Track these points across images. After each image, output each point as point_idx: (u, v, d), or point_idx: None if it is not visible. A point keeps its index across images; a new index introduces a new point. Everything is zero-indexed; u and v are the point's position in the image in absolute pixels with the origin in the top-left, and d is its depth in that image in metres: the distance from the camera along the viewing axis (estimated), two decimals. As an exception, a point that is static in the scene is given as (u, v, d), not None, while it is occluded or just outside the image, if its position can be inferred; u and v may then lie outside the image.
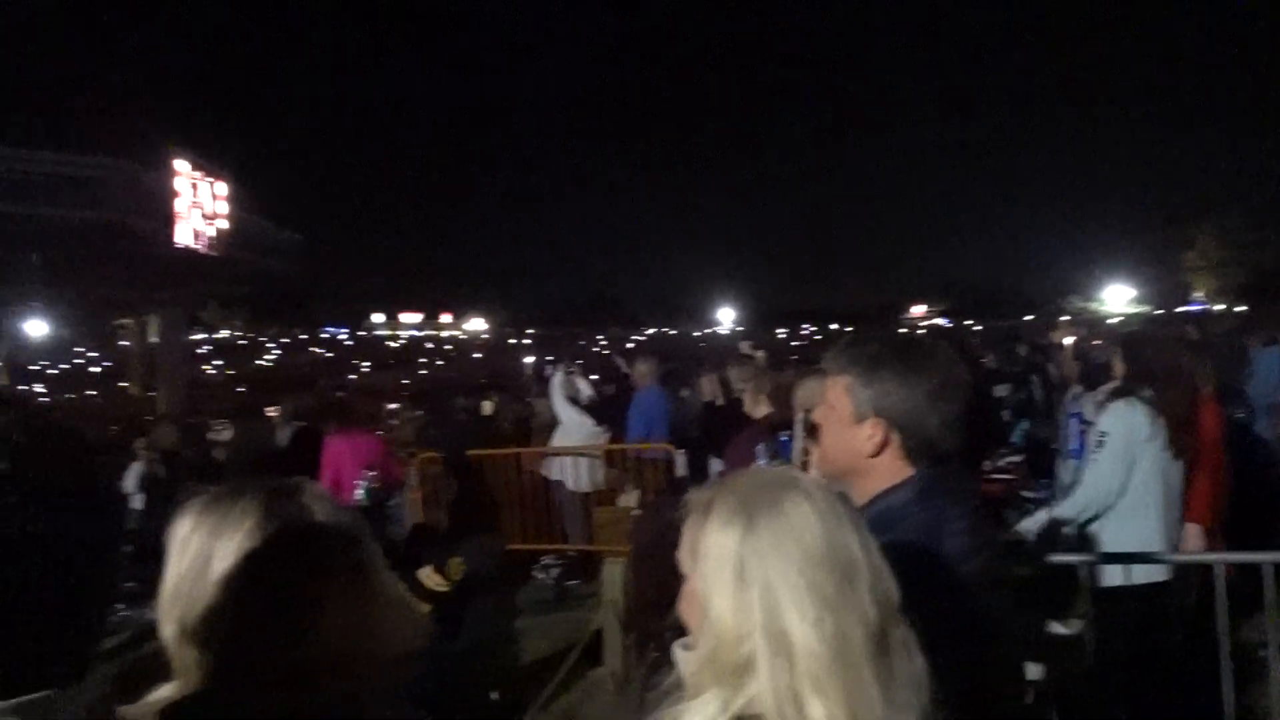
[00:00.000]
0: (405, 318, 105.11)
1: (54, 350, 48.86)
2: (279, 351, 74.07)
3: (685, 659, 1.11)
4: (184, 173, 21.37)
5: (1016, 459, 7.01)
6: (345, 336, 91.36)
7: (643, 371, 8.12)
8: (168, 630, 0.97)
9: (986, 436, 6.86)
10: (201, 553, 0.98)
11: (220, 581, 0.97)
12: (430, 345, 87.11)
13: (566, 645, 5.49)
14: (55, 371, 50.20)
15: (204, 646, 0.94)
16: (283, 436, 8.18)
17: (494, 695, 4.41)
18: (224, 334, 78.39)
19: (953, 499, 1.59)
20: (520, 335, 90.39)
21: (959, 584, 1.46)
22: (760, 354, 9.77)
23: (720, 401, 6.83)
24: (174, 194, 20.97)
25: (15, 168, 18.48)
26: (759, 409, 4.74)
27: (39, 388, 42.37)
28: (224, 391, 38.58)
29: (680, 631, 1.18)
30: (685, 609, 1.14)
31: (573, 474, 7.99)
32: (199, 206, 22.02)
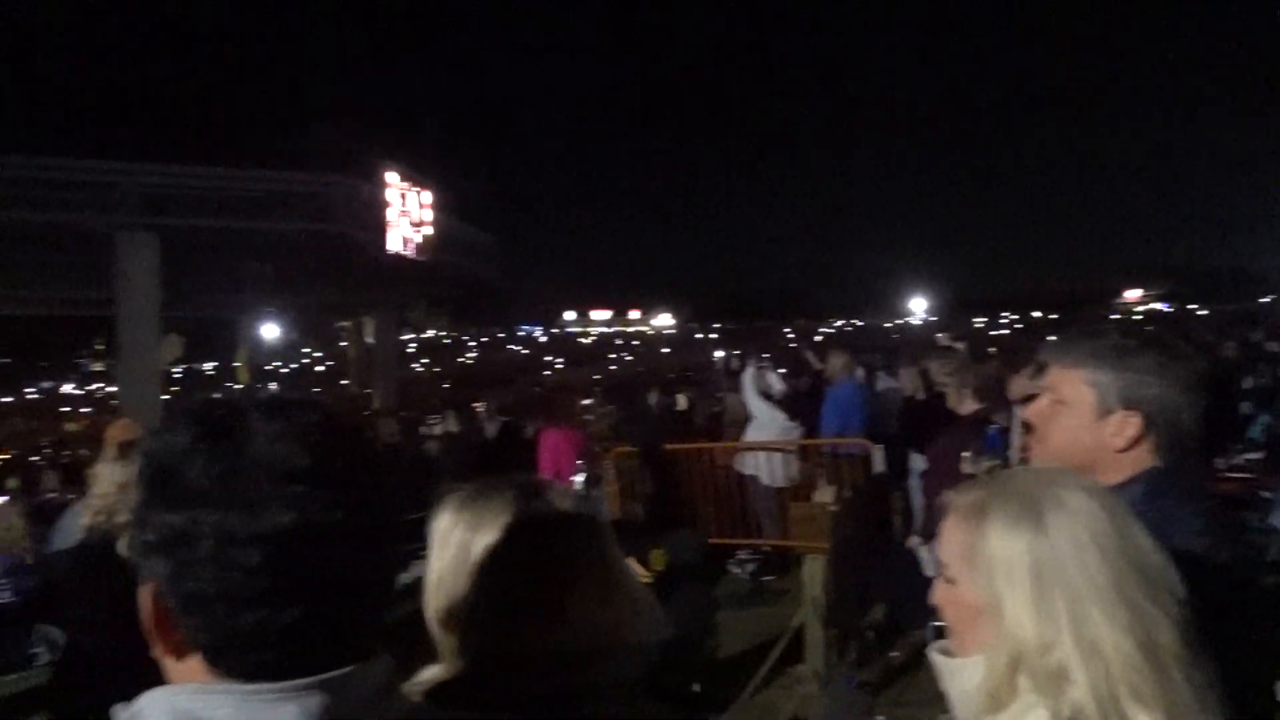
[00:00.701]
0: (595, 315, 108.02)
1: (285, 351, 53.63)
2: (479, 350, 77.91)
3: (962, 666, 1.07)
4: (394, 184, 22.85)
5: (1256, 455, 6.42)
6: (540, 334, 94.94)
7: (836, 365, 7.98)
8: (432, 617, 1.06)
9: (1224, 431, 6.31)
10: (462, 545, 1.07)
11: (478, 573, 1.04)
12: (619, 341, 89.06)
13: (763, 641, 5.48)
14: (286, 371, 54.90)
15: (464, 633, 1.02)
16: (490, 430, 8.62)
17: (696, 688, 4.46)
18: (429, 334, 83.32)
19: (1187, 496, 1.50)
20: (706, 330, 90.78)
21: (1197, 589, 1.36)
22: (962, 346, 9.38)
23: (921, 395, 6.60)
24: (385, 204, 22.47)
25: (253, 187, 20.41)
26: (965, 404, 4.55)
27: (273, 386, 46.48)
28: (431, 388, 40.98)
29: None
30: (952, 615, 1.10)
31: (767, 469, 7.96)
32: (407, 215, 23.50)
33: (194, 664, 0.70)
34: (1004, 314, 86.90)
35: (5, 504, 8.91)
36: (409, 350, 63.76)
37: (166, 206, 19.64)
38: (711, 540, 7.79)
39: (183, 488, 0.67)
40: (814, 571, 4.87)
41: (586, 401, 16.11)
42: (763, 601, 6.81)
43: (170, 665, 0.72)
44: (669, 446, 8.54)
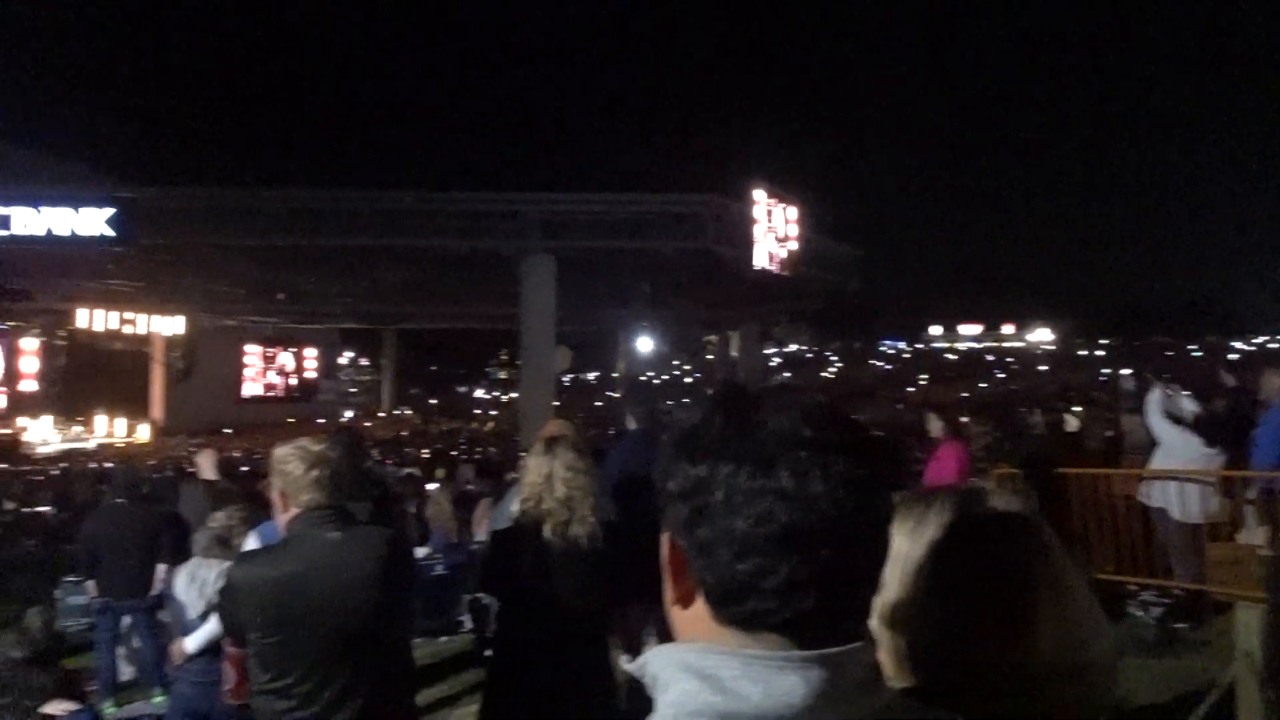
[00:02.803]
0: (964, 329, 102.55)
1: (658, 363, 57.12)
2: (840, 364, 77.32)
3: None
4: (761, 201, 23.42)
5: None
6: (904, 349, 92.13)
7: (1273, 386, 6.86)
8: (872, 623, 1.05)
9: None
10: (900, 552, 1.05)
11: (922, 580, 1.02)
12: (990, 357, 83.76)
13: (1175, 695, 4.85)
14: (658, 382, 58.26)
15: (912, 643, 0.99)
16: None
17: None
18: (792, 348, 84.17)
19: None
20: (1091, 345, 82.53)
21: None
22: None
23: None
24: (753, 221, 23.10)
25: (636, 209, 22.01)
26: None
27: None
28: (792, 402, 41.26)
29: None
30: None
31: (1179, 501, 7.03)
32: (773, 231, 23.96)
33: (698, 612, 0.76)
34: None
35: (437, 490, 10.41)
36: (772, 364, 65.03)
37: (563, 230, 21.80)
38: (1107, 576, 7.04)
39: (703, 444, 0.76)
40: (1248, 622, 4.20)
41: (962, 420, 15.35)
42: (1174, 652, 6.01)
43: (678, 616, 0.79)
44: (1059, 470, 7.85)
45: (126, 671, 6.43)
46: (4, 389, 30.06)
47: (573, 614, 2.66)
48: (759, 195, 23.34)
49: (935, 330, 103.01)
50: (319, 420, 37.49)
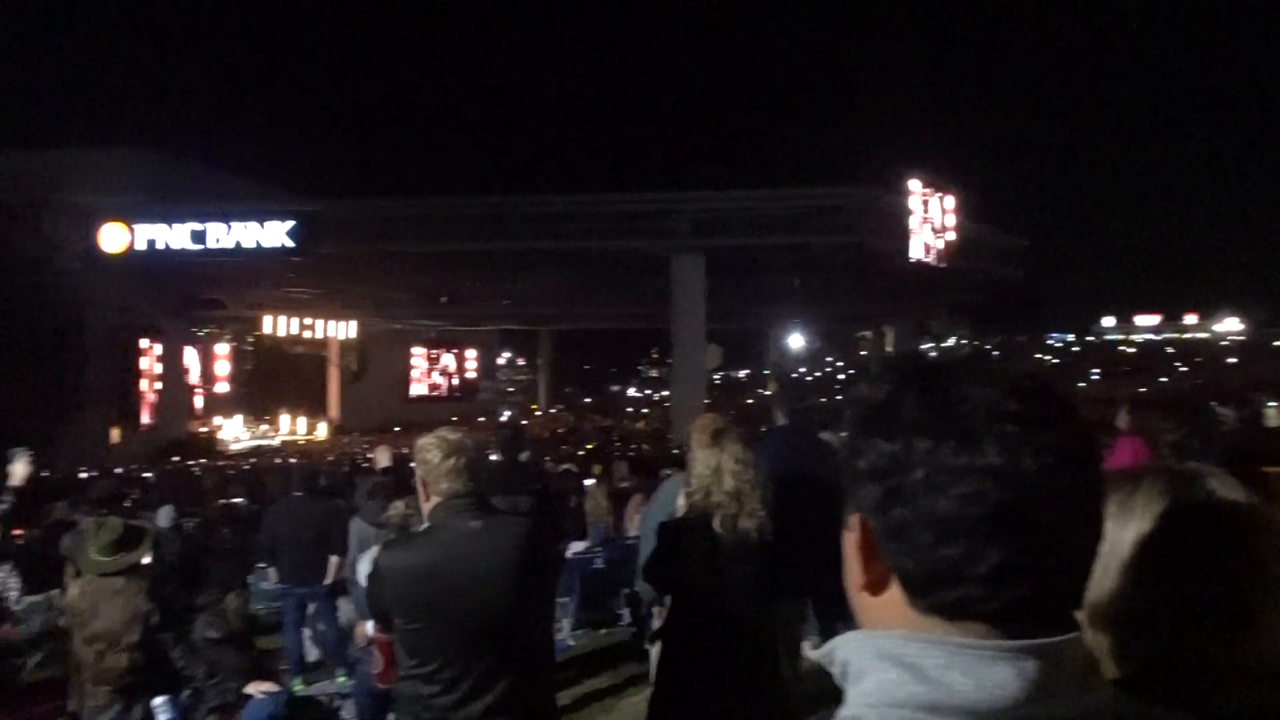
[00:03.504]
0: (1140, 320, 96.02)
1: (809, 359, 56.34)
2: (1003, 359, 73.92)
3: None
4: (916, 191, 22.70)
5: None
6: (1072, 342, 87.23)
7: None
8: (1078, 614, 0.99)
9: None
10: (1106, 538, 0.98)
11: (1135, 569, 0.95)
12: (1170, 350, 78.15)
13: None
14: (810, 379, 57.47)
15: (1124, 636, 0.93)
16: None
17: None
18: (950, 342, 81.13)
19: None
20: (1290, 335, 75.61)
21: None
22: None
23: None
24: (908, 212, 22.42)
25: (786, 205, 21.78)
26: None
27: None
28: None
29: None
30: None
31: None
32: (929, 221, 23.18)
33: (892, 598, 0.71)
34: None
35: (594, 486, 10.62)
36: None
37: (713, 229, 21.82)
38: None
39: (898, 418, 0.71)
40: None
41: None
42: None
43: (867, 603, 0.74)
44: (1262, 470, 7.23)
45: (313, 653, 6.87)
46: (200, 390, 32.77)
47: (742, 607, 2.64)
48: (914, 185, 22.64)
49: (1108, 322, 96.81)
50: (479, 418, 38.95)
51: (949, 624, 0.68)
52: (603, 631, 7.30)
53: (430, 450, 2.48)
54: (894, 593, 0.71)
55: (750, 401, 53.82)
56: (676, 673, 2.76)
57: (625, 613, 7.21)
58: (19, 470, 5.09)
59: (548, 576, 2.71)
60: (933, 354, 0.77)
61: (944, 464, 0.67)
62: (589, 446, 21.59)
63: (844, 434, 0.76)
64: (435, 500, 2.46)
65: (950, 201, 23.71)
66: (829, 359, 64.92)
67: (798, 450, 4.20)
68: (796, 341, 44.59)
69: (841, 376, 60.88)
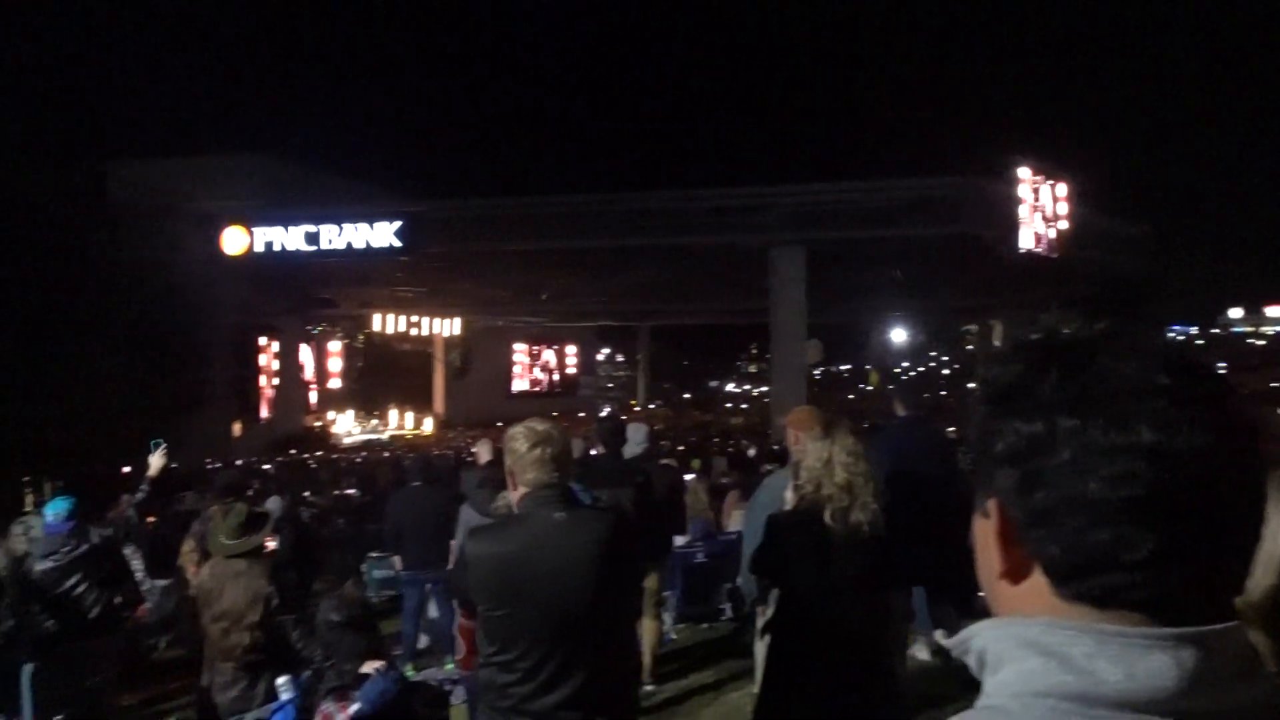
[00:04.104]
0: (1271, 311, 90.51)
1: (912, 354, 55.09)
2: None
3: None
4: (1025, 179, 21.92)
5: None
6: (1196, 334, 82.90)
7: None
8: (1245, 608, 0.93)
9: None
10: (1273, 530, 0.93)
11: None
12: (1307, 342, 73.34)
13: None
14: (912, 374, 56.19)
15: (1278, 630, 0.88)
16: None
17: None
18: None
19: None
20: None
21: None
22: None
23: None
24: (1017, 201, 21.66)
25: (886, 196, 21.34)
26: None
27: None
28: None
29: None
30: None
31: None
32: (1040, 210, 22.35)
33: (1034, 587, 0.68)
34: None
35: (694, 480, 10.64)
36: (1038, 354, 60.63)
37: (813, 221, 21.53)
38: None
39: (1037, 398, 0.67)
40: None
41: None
42: None
43: (1005, 592, 0.71)
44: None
45: (423, 640, 7.09)
46: (315, 386, 34.13)
47: (853, 603, 2.59)
48: (1023, 173, 21.86)
49: (1235, 313, 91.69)
50: (579, 414, 39.44)
51: (1098, 612, 0.65)
52: (704, 626, 7.31)
53: (518, 440, 2.49)
54: (1036, 581, 0.68)
55: (852, 397, 52.96)
56: (784, 669, 2.73)
57: (727, 608, 7.21)
58: (156, 462, 5.43)
59: (630, 572, 2.66)
60: (1066, 330, 0.72)
61: (1092, 444, 0.64)
62: (687, 443, 21.59)
63: (974, 417, 0.73)
64: (522, 490, 2.47)
65: (1063, 189, 22.82)
66: (932, 353, 63.30)
67: (915, 444, 4.13)
68: (899, 336, 43.68)
69: (946, 371, 59.29)
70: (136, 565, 7.28)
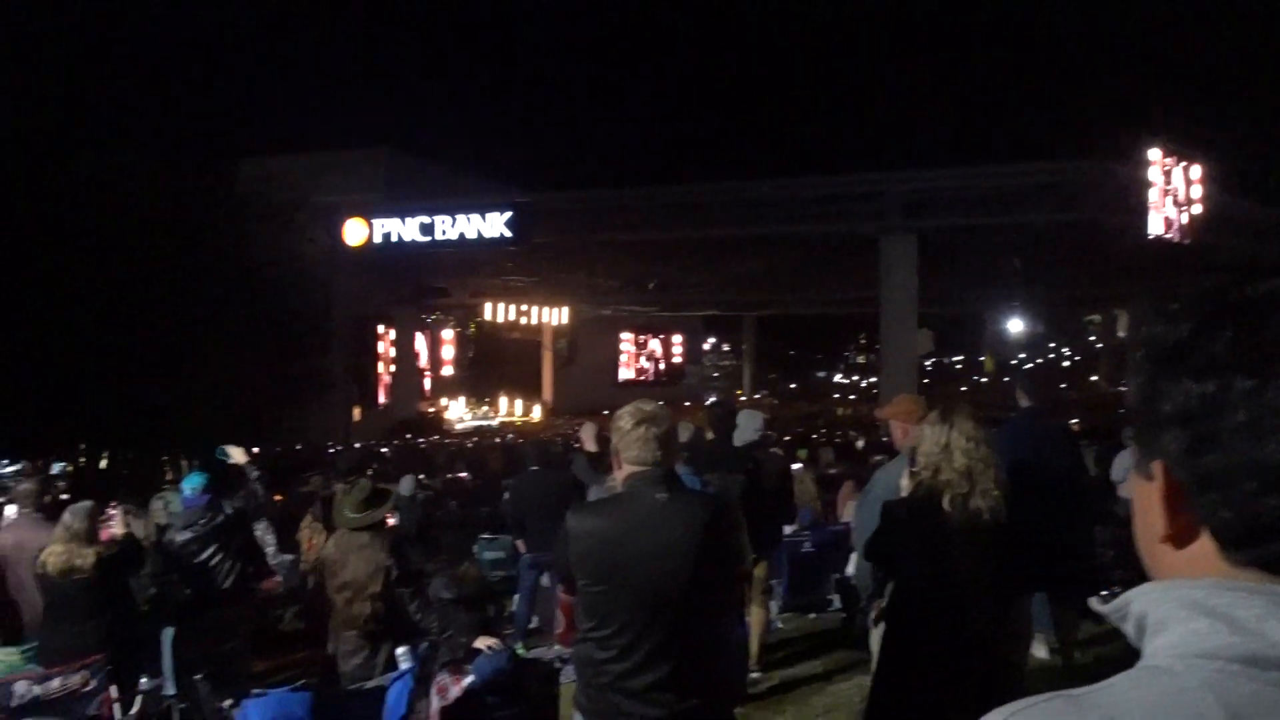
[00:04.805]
0: None
1: (1030, 345, 53.09)
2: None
3: None
4: (1156, 161, 20.81)
5: None
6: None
7: None
8: None
9: None
10: None
11: None
12: None
13: None
14: (1029, 366, 54.22)
15: None
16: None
17: None
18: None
19: None
20: None
21: None
22: None
23: None
24: (1146, 185, 20.59)
25: (1003, 181, 20.59)
26: None
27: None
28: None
29: None
30: None
31: None
32: (1171, 194, 21.19)
33: (1201, 551, 0.66)
34: None
35: (801, 470, 10.54)
36: (1168, 345, 57.67)
37: (925, 209, 20.98)
38: None
39: (1209, 357, 0.65)
40: None
41: None
42: None
43: (1168, 557, 0.69)
44: None
45: (533, 620, 7.24)
46: (429, 373, 35.20)
47: (972, 592, 2.51)
48: (1154, 154, 20.75)
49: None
50: (685, 404, 39.56)
51: (1269, 576, 0.63)
52: (811, 616, 7.24)
53: (624, 419, 2.50)
54: (1203, 545, 0.66)
55: (964, 389, 51.41)
56: (899, 661, 2.66)
57: (835, 598, 7.12)
58: (236, 455, 5.76)
59: (730, 560, 2.60)
60: (1238, 287, 0.68)
61: (1271, 406, 0.61)
62: (793, 433, 21.39)
63: (1136, 378, 0.71)
64: (626, 469, 2.47)
65: (1196, 171, 21.56)
66: (1052, 344, 60.88)
67: (1039, 437, 3.98)
68: (1016, 326, 42.17)
69: (1066, 364, 57.00)
70: (269, 541, 7.71)
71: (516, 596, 7.31)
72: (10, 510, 6.57)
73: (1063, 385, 44.94)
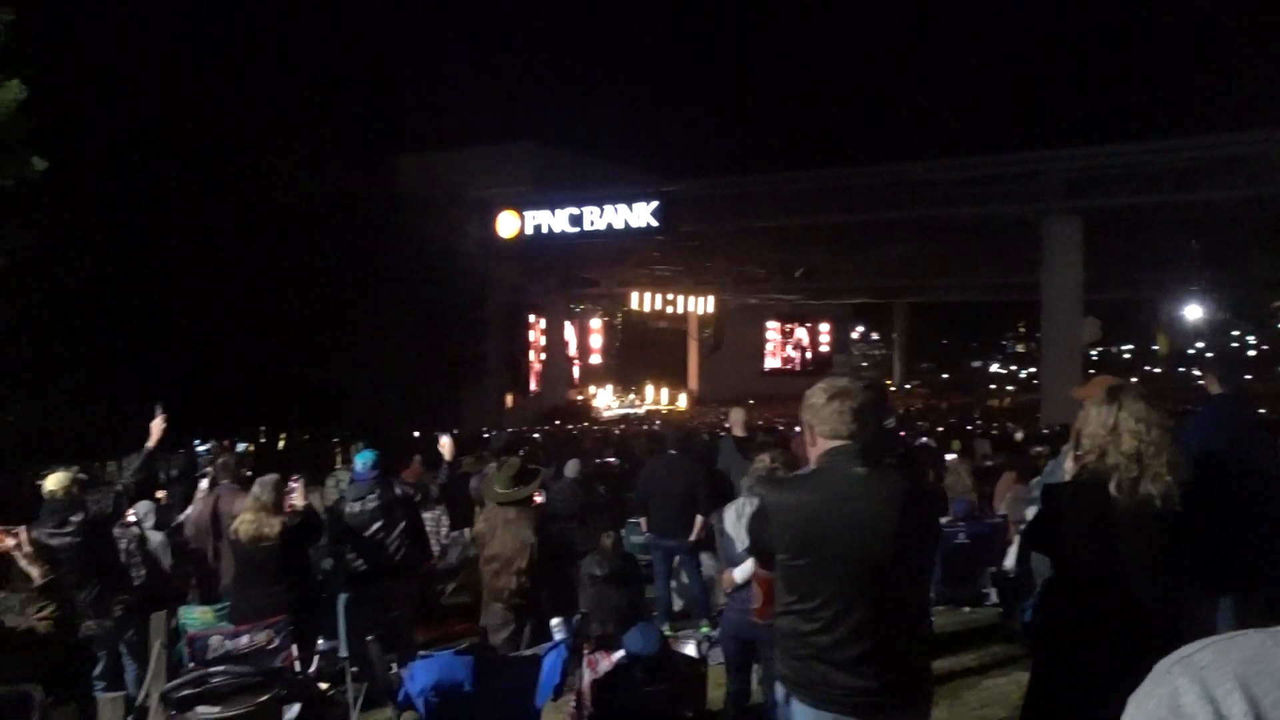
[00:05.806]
0: None
1: (1210, 333, 49.34)
2: None
3: None
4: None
5: None
6: None
7: None
8: None
9: None
10: None
11: None
12: None
13: None
14: (1211, 355, 50.38)
15: None
16: None
17: None
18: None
19: None
20: None
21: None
22: None
23: None
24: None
25: (1175, 157, 19.18)
26: None
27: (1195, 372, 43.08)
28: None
29: None
30: None
31: None
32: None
33: None
34: None
35: (955, 460, 10.21)
36: (1373, 333, 52.35)
37: (1091, 188, 19.83)
38: None
39: None
40: None
41: None
42: None
43: None
44: None
45: (677, 603, 7.33)
46: (577, 361, 36.00)
47: (1140, 584, 2.37)
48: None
49: None
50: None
51: None
52: (966, 609, 7.03)
53: (816, 394, 2.50)
54: None
55: (1135, 380, 48.31)
56: (1059, 655, 2.55)
57: (991, 592, 6.89)
58: (447, 443, 6.25)
59: (928, 537, 2.60)
60: None
61: None
62: (946, 425, 20.69)
63: None
64: (821, 445, 2.46)
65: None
66: (1235, 332, 56.34)
67: (1232, 426, 3.68)
68: (1194, 313, 39.28)
69: (1253, 353, 52.67)
70: (444, 522, 8.25)
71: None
72: (203, 484, 7.21)
73: (1248, 376, 41.50)
